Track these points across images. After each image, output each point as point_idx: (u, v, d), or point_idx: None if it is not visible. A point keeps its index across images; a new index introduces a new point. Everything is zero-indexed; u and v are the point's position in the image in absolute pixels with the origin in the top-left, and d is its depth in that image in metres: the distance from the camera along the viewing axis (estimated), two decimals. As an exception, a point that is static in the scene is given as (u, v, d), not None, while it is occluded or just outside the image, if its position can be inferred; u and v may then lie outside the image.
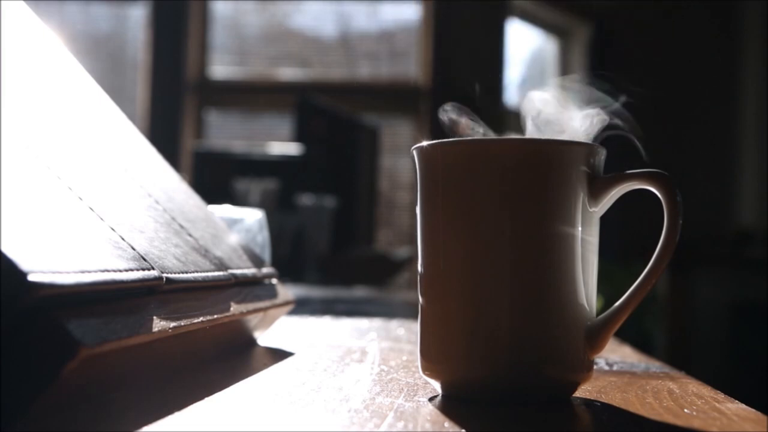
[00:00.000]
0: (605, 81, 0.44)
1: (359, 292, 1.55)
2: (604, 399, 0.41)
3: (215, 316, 0.46)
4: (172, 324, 0.39)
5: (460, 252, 0.40)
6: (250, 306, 0.54)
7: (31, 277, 0.29)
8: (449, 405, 0.39)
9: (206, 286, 0.48)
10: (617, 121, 0.44)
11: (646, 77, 3.52)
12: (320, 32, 3.59)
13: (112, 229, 0.40)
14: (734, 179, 3.61)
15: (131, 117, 0.65)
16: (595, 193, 0.41)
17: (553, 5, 3.65)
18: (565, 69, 3.75)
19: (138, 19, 3.49)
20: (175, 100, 3.40)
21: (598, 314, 0.42)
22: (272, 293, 0.61)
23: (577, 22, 3.69)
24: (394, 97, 3.52)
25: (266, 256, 0.72)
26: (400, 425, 0.34)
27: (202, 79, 3.49)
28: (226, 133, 3.56)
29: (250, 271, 0.58)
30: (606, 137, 0.44)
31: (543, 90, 0.44)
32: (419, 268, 0.42)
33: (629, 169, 0.41)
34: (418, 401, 0.39)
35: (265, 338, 0.63)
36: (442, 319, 0.41)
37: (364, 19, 3.59)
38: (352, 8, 3.58)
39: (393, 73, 3.56)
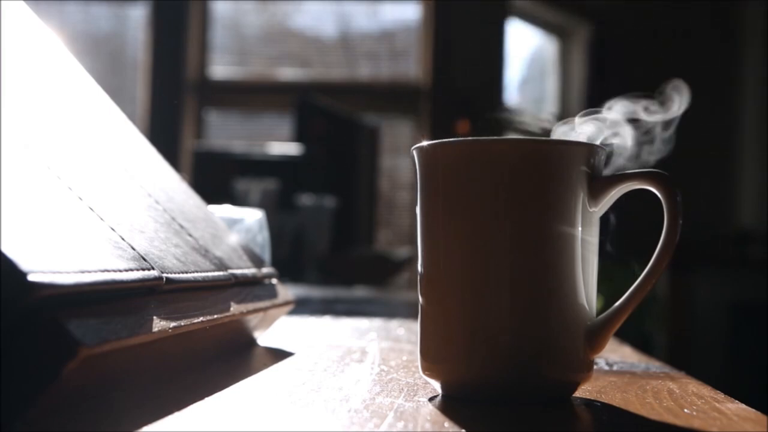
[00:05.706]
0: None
1: (359, 292, 1.55)
2: (604, 399, 0.41)
3: (215, 316, 0.46)
4: (172, 324, 0.39)
5: (460, 252, 0.40)
6: (250, 306, 0.54)
7: (31, 277, 0.29)
8: (449, 405, 0.39)
9: (206, 286, 0.48)
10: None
11: (646, 77, 3.51)
12: (320, 32, 3.59)
13: (112, 229, 0.40)
14: (734, 179, 3.61)
15: (131, 117, 0.65)
16: (595, 193, 0.41)
17: (553, 5, 3.65)
18: (565, 69, 3.75)
19: (138, 19, 3.49)
20: (175, 100, 3.40)
21: (598, 314, 0.42)
22: (272, 293, 0.61)
23: (577, 22, 3.69)
24: (394, 97, 3.52)
25: (266, 256, 0.72)
26: (400, 425, 0.34)
27: (202, 79, 3.49)
28: (226, 133, 3.56)
29: (250, 271, 0.58)
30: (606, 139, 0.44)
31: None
32: (419, 268, 0.42)
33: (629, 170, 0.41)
34: (418, 401, 0.39)
35: (265, 338, 0.63)
36: (442, 319, 0.41)
37: (364, 19, 3.59)
38: (352, 8, 3.58)
39: (393, 73, 3.56)
